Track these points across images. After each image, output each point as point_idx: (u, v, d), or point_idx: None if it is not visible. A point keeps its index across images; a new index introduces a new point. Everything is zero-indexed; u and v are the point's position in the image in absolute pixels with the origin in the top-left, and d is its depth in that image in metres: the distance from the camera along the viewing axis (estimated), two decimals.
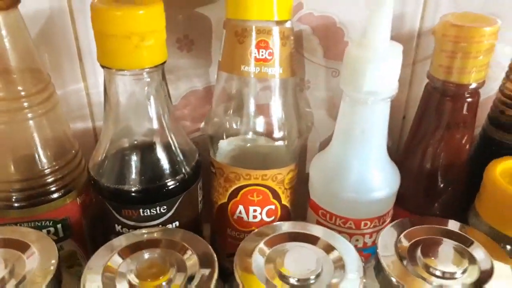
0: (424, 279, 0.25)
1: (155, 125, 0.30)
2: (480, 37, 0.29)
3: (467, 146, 0.34)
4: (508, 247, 0.29)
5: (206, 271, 0.25)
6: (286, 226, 0.28)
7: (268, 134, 0.33)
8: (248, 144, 0.33)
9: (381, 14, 0.27)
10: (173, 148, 0.31)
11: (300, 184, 0.36)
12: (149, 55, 0.27)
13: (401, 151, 0.38)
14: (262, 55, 0.30)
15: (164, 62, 0.29)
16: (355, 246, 0.27)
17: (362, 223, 0.32)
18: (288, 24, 0.30)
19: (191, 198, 0.32)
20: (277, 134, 0.33)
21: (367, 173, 0.31)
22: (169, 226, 0.31)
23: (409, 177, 0.34)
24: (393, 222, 0.29)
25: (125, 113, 0.30)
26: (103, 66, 0.28)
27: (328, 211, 0.33)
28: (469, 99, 0.32)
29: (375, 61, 0.28)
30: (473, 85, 0.31)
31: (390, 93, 0.29)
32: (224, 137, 0.33)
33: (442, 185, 0.34)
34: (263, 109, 0.33)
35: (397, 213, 0.34)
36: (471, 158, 0.34)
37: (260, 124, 0.33)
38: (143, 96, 0.29)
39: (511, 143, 0.33)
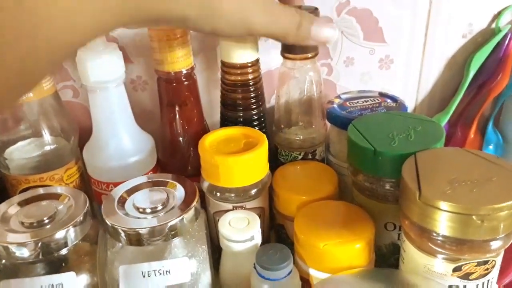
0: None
1: None
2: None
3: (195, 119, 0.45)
4: (218, 194, 0.42)
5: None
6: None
7: (42, 143, 0.41)
8: (27, 155, 0.41)
9: None
10: None
11: None
12: None
13: None
14: None
15: None
16: None
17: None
18: None
19: None
20: (48, 141, 0.41)
21: (120, 144, 0.42)
22: None
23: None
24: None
25: None
26: None
27: (97, 180, 0.43)
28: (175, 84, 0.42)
29: (93, 58, 0.38)
30: (184, 71, 0.42)
31: (114, 81, 0.40)
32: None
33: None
34: (34, 123, 0.41)
35: None
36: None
37: (35, 133, 0.41)
38: None
39: (231, 117, 0.46)
